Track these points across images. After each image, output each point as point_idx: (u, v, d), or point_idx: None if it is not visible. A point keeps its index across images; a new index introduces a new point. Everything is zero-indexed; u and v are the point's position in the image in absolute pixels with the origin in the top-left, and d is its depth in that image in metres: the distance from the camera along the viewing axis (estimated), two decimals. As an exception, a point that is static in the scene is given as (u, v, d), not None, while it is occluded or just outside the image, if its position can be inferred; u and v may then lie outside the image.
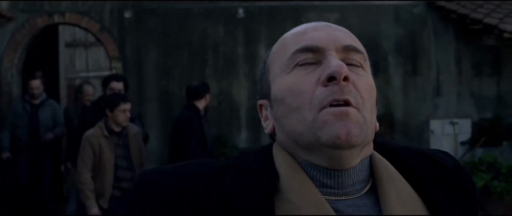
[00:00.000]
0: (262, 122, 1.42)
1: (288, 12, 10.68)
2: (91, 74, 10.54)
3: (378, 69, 11.08)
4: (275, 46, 1.42)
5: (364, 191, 1.32)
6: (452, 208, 1.34)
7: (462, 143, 11.27)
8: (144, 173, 1.35)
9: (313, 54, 1.32)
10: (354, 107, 1.25)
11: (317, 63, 1.31)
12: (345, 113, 1.23)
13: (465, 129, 11.31)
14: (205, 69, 10.69)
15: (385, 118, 11.01)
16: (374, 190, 1.32)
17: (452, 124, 11.27)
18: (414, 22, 11.24)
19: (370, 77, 1.36)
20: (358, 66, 1.34)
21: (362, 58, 1.36)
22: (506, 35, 9.33)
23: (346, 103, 1.25)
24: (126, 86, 7.25)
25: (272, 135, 1.40)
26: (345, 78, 1.25)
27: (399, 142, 10.87)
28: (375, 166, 1.35)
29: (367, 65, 1.38)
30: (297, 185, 1.25)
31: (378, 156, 1.37)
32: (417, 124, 11.20)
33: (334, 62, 1.26)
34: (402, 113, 11.16)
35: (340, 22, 10.80)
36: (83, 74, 10.51)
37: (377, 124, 1.37)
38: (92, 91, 9.15)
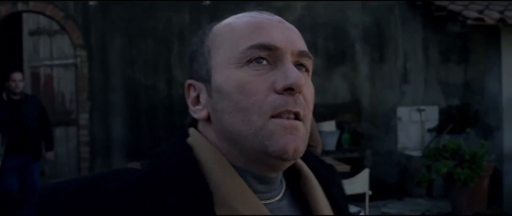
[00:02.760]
0: (190, 105, 1.35)
1: (255, 0, 10.62)
2: (56, 62, 10.41)
3: (345, 57, 11.08)
4: (222, 29, 1.34)
5: (282, 193, 1.33)
6: (345, 206, 1.46)
7: (429, 130, 11.29)
8: (47, 191, 1.20)
9: (269, 52, 1.26)
10: (301, 119, 1.25)
11: (271, 64, 1.27)
12: (295, 127, 1.23)
13: (432, 116, 11.34)
14: (171, 58, 10.63)
15: (352, 105, 11.03)
16: (288, 192, 1.36)
17: (419, 111, 11.29)
18: (381, 9, 11.23)
19: (312, 84, 1.34)
20: (305, 72, 1.33)
21: (311, 64, 1.34)
22: (469, 22, 9.33)
23: (296, 116, 1.24)
24: None
25: (197, 121, 1.35)
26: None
27: (366, 130, 10.91)
28: (301, 168, 1.39)
29: (311, 70, 1.37)
30: (236, 191, 1.22)
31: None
32: (384, 111, 11.20)
33: (294, 74, 1.23)
34: (369, 100, 11.16)
35: (307, 9, 10.81)
36: (47, 62, 10.38)
37: None
38: None
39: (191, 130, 1.33)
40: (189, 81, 1.36)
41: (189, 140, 1.31)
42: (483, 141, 9.33)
